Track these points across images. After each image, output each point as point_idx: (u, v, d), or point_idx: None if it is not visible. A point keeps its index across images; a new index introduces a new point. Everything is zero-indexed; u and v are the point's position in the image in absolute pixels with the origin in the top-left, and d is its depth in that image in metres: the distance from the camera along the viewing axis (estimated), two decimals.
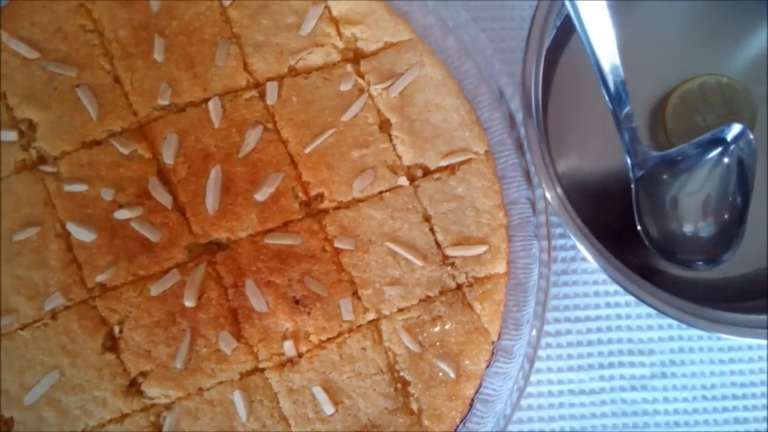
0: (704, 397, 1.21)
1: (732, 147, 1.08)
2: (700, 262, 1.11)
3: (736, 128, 1.07)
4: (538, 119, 1.03)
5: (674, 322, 1.18)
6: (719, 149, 1.09)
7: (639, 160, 1.08)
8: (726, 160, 1.10)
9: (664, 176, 1.11)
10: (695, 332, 1.22)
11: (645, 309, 1.21)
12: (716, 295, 1.15)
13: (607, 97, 1.02)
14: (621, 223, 1.14)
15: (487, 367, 1.09)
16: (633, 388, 1.21)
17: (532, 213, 1.09)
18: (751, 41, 1.21)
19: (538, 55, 1.05)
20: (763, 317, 1.05)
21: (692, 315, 1.03)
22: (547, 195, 1.02)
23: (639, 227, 1.09)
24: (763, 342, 1.05)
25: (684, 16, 1.22)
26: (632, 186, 1.09)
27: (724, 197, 1.11)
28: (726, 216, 1.10)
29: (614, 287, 1.20)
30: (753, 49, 1.21)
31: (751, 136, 1.07)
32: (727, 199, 1.11)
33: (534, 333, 1.07)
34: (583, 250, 1.01)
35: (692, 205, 1.11)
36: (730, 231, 1.10)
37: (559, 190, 1.03)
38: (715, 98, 1.17)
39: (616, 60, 1.01)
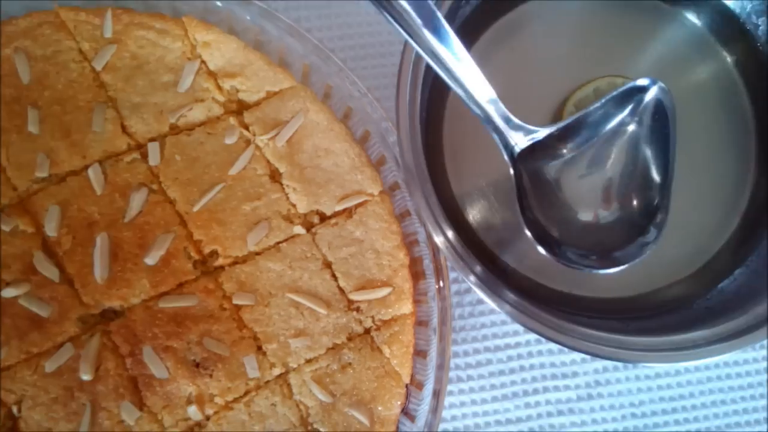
0: (633, 415, 1.24)
1: (642, 107, 1.05)
2: (605, 259, 1.04)
3: (644, 82, 1.03)
4: (416, 159, 1.04)
5: None
6: (626, 110, 1.06)
7: (514, 140, 1.03)
8: (633, 126, 1.06)
9: (553, 155, 1.07)
10: None
11: None
12: (626, 314, 1.18)
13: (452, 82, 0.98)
14: (528, 248, 1.14)
15: (402, 411, 1.12)
16: (560, 413, 1.24)
17: (429, 251, 1.12)
18: (647, 42, 1.25)
19: (413, 94, 1.06)
20: (679, 337, 1.07)
21: (606, 346, 1.04)
22: (437, 241, 1.03)
23: (523, 222, 1.02)
24: (690, 364, 1.10)
25: (572, 22, 1.25)
26: (511, 171, 1.04)
27: (632, 175, 1.07)
28: (637, 198, 1.06)
29: None
30: (650, 50, 1.25)
31: (667, 93, 1.03)
32: (639, 176, 1.06)
33: (439, 369, 1.09)
34: (479, 292, 1.03)
35: (590, 187, 1.07)
36: (647, 214, 1.05)
37: (448, 231, 1.04)
38: None
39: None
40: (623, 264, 1.03)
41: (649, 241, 1.02)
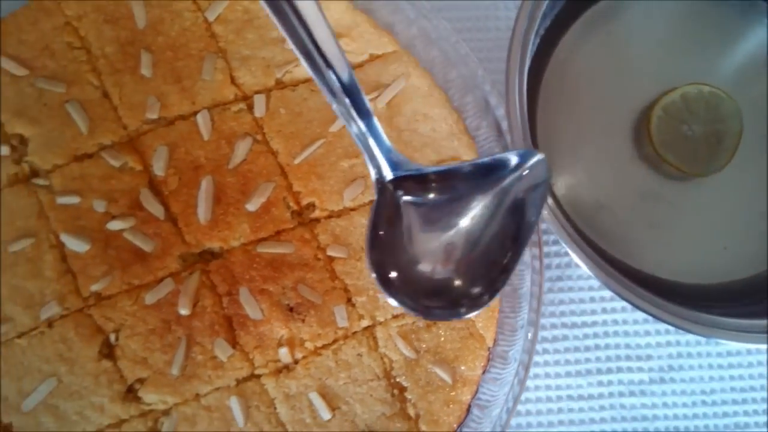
0: (704, 402, 1.28)
1: (512, 182, 1.00)
2: (435, 309, 1.00)
3: (532, 158, 0.99)
4: (524, 128, 1.09)
5: (671, 328, 1.22)
6: (494, 180, 1.01)
7: (384, 171, 1.00)
8: (503, 197, 1.01)
9: (419, 197, 1.02)
10: (693, 337, 1.29)
11: (641, 315, 1.28)
12: (713, 300, 1.22)
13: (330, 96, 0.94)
14: (613, 229, 1.23)
15: (483, 372, 1.16)
16: (632, 394, 1.28)
17: None
18: (733, 49, 1.30)
19: (521, 63, 1.11)
20: (761, 321, 1.11)
21: (687, 320, 1.09)
22: None
23: (366, 253, 0.98)
24: (762, 346, 1.11)
25: (663, 27, 1.30)
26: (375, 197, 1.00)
27: (477, 245, 1.01)
28: (471, 269, 1.00)
29: (610, 293, 1.24)
30: (736, 57, 1.29)
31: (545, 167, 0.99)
32: (483, 250, 1.01)
33: (529, 339, 1.13)
34: (575, 257, 1.08)
35: (438, 241, 1.02)
36: (478, 284, 1.00)
37: (549, 198, 1.07)
38: (699, 107, 1.24)
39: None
40: (437, 318, 1.11)
41: (461, 314, 0.99)
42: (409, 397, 1.14)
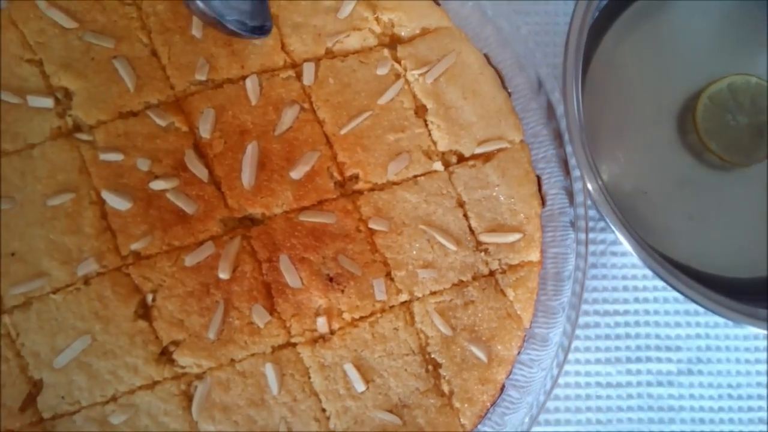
0: (730, 396, 1.20)
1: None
2: None
3: None
4: (579, 112, 1.03)
5: (702, 320, 1.19)
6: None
7: None
8: None
9: None
10: (722, 330, 1.21)
11: (674, 305, 1.20)
12: (747, 294, 1.13)
13: None
14: (652, 218, 1.16)
15: (519, 353, 1.08)
16: (659, 384, 1.20)
17: (569, 204, 1.08)
18: None
19: (578, 49, 1.04)
20: None
21: (732, 310, 1.03)
22: (589, 187, 1.02)
23: None
24: None
25: (711, 17, 1.22)
26: None
27: None
28: None
29: (644, 282, 1.19)
30: None
31: None
32: None
33: (569, 324, 1.06)
34: (625, 242, 1.01)
35: None
36: None
37: (599, 181, 1.02)
38: (745, 98, 1.17)
39: None
40: None
41: None
42: (444, 373, 1.06)
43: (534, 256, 1.09)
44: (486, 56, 1.14)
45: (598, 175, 1.02)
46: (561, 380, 1.19)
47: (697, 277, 1.13)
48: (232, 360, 1.02)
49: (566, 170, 1.08)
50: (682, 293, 1.01)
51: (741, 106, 1.17)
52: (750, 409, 1.20)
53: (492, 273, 1.08)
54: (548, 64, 1.09)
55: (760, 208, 1.18)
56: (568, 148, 1.07)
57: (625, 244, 1.01)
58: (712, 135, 1.16)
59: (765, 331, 1.04)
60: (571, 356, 1.19)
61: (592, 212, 1.13)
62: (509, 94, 1.13)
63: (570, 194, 1.08)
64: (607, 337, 1.20)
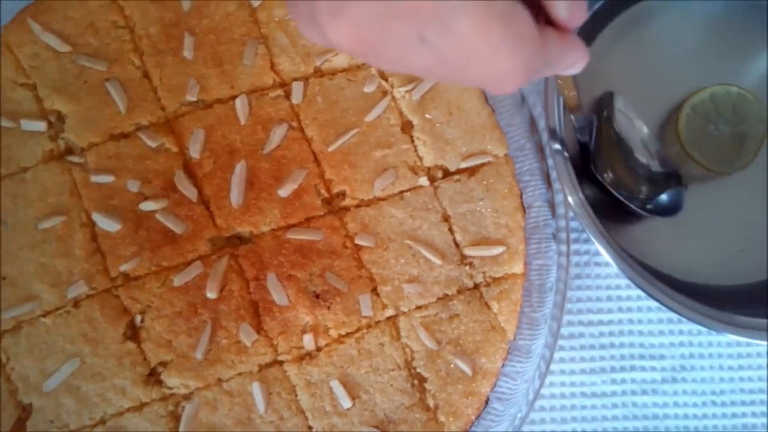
0: (714, 403, 1.16)
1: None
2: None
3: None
4: (560, 125, 1.01)
5: (685, 328, 1.15)
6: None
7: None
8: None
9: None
10: (706, 338, 1.16)
11: (657, 314, 1.15)
12: (726, 302, 1.09)
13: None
14: (632, 227, 1.13)
15: (503, 366, 1.04)
16: (644, 392, 1.15)
17: (551, 216, 1.05)
18: (761, 52, 1.18)
19: None
20: None
21: (708, 317, 1.01)
22: (570, 199, 0.99)
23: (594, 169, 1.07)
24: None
25: (693, 32, 1.19)
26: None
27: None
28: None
29: (627, 292, 1.15)
30: (763, 60, 1.18)
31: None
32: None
33: (550, 335, 1.03)
34: (605, 254, 0.98)
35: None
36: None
37: (580, 194, 0.99)
38: (727, 108, 1.13)
39: None
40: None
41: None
42: (429, 387, 1.02)
43: (518, 268, 1.05)
44: None
45: (578, 187, 1.00)
46: (546, 391, 1.14)
47: (681, 286, 1.10)
48: (220, 379, 0.99)
49: (549, 183, 1.05)
50: (660, 302, 0.99)
51: (723, 116, 1.13)
52: (734, 415, 1.16)
53: (476, 286, 1.05)
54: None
55: (737, 218, 1.15)
56: (550, 161, 1.03)
57: (605, 255, 0.98)
58: (694, 144, 1.13)
59: (747, 339, 1.02)
60: (555, 367, 1.15)
61: (575, 223, 1.10)
62: (493, 109, 1.09)
63: (552, 206, 1.05)
64: (592, 347, 1.16)
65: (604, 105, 1.10)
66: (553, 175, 1.04)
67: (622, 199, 1.05)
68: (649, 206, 1.08)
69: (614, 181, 1.08)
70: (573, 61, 0.67)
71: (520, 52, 0.56)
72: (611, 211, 1.10)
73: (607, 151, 1.09)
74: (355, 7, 0.55)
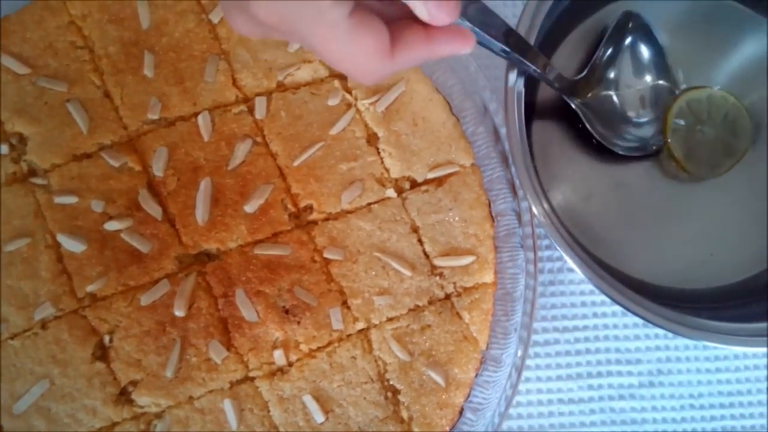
0: (692, 406, 1.16)
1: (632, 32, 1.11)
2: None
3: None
4: (521, 134, 0.99)
5: (661, 332, 1.15)
6: (627, 41, 1.12)
7: (566, 85, 1.06)
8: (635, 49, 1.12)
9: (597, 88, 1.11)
10: (682, 342, 1.16)
11: (632, 319, 1.16)
12: (700, 303, 1.11)
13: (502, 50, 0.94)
14: (603, 234, 1.12)
15: (476, 375, 1.04)
16: (621, 397, 1.15)
17: (518, 224, 1.05)
18: (730, 50, 1.18)
19: (519, 71, 1.00)
20: (748, 325, 1.00)
21: (679, 324, 0.98)
22: (533, 208, 0.98)
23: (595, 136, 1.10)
24: (749, 350, 1.05)
25: (668, 31, 1.17)
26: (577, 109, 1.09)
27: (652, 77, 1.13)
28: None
29: (601, 297, 1.15)
30: (732, 59, 1.18)
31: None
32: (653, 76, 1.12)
33: (521, 343, 1.02)
34: (570, 261, 0.97)
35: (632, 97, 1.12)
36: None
37: (544, 203, 0.98)
38: (719, 114, 1.13)
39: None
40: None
41: None
42: (403, 399, 1.01)
43: (488, 277, 1.05)
44: (435, 83, 1.10)
45: (543, 195, 0.98)
46: (522, 398, 1.14)
47: (653, 290, 1.10)
48: (191, 397, 0.98)
49: (514, 191, 1.05)
50: (625, 307, 0.97)
51: (713, 121, 1.13)
52: (713, 418, 1.16)
53: (448, 296, 1.04)
54: (493, 88, 1.07)
55: (708, 222, 1.15)
56: (513, 170, 1.04)
57: (570, 262, 0.97)
58: (677, 138, 1.13)
59: (721, 346, 1.00)
60: (531, 374, 1.15)
61: (542, 230, 1.06)
62: (458, 119, 1.09)
63: (519, 215, 1.05)
64: (567, 353, 1.16)
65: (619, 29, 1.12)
66: (517, 182, 1.03)
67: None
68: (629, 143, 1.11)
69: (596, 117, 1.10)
70: (451, 50, 0.72)
71: (364, 63, 0.66)
72: (582, 213, 1.12)
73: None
74: None
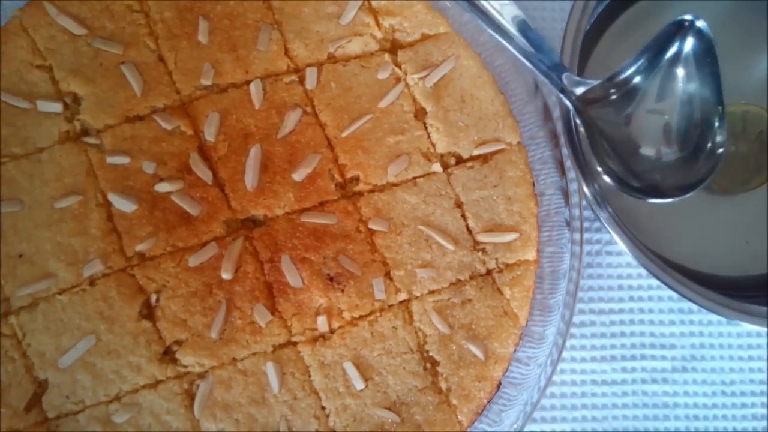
0: (723, 393, 1.16)
1: (685, 46, 0.94)
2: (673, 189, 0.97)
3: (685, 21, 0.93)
4: (574, 115, 1.00)
5: (696, 318, 1.16)
6: (670, 52, 0.95)
7: (583, 97, 0.99)
8: (680, 67, 0.95)
9: (613, 103, 0.99)
10: (716, 328, 1.17)
11: (668, 304, 1.17)
12: (740, 290, 1.10)
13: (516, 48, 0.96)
14: (650, 219, 1.13)
15: (515, 351, 1.05)
16: (654, 381, 1.16)
17: (564, 204, 1.05)
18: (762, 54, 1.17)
19: (573, 53, 1.02)
20: None
21: (727, 308, 1.00)
22: (585, 189, 0.99)
23: (598, 166, 0.99)
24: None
25: (709, 22, 1.15)
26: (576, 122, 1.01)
27: (689, 106, 0.96)
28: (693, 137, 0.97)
29: (638, 281, 1.16)
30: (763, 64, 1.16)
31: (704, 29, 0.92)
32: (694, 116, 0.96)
33: (563, 322, 1.03)
34: (621, 244, 0.98)
35: (654, 125, 0.99)
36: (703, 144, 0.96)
37: (595, 183, 0.99)
38: (754, 131, 1.13)
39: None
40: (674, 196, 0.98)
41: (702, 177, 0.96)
42: (441, 371, 1.02)
43: (530, 255, 1.06)
44: (484, 61, 1.11)
45: (593, 176, 0.99)
46: (557, 378, 1.15)
47: (692, 275, 1.09)
48: (234, 359, 0.99)
49: (562, 171, 1.06)
50: (675, 290, 0.99)
51: (747, 136, 1.13)
52: (744, 405, 1.17)
53: (489, 272, 1.05)
54: None
55: (756, 207, 1.15)
56: (564, 150, 1.04)
57: (620, 243, 0.98)
58: None
59: (759, 328, 1.01)
60: (566, 354, 1.16)
61: (588, 212, 1.10)
62: (506, 98, 1.09)
63: (566, 194, 1.05)
64: (603, 335, 1.17)
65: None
66: (567, 163, 1.04)
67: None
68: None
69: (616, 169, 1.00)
70: None
71: None
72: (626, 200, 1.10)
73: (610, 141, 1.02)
74: None
